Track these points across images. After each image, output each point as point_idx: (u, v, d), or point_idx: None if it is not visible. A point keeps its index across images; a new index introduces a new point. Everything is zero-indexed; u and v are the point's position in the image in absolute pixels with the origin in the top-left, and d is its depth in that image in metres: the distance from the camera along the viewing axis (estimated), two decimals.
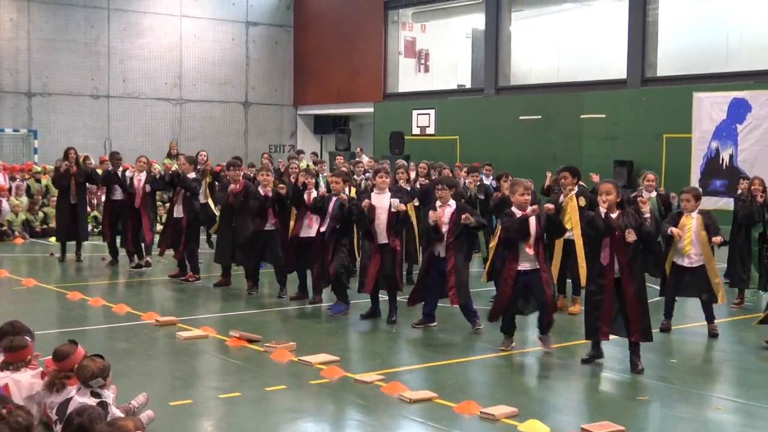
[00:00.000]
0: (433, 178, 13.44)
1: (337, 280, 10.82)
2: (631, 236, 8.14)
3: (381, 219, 10.34)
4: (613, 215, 8.22)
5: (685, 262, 9.91)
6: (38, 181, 19.96)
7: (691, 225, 9.91)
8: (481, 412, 6.78)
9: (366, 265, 10.45)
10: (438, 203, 9.90)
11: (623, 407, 7.25)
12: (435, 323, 10.16)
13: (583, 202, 10.76)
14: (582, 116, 25.41)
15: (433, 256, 9.90)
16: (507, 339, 9.17)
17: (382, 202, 10.37)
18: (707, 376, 8.61)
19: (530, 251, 8.79)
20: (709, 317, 10.03)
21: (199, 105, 31.68)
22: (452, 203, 9.84)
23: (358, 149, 25.64)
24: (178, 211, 13.32)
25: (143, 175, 14.25)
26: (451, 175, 14.55)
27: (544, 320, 8.95)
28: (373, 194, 10.53)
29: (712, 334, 9.93)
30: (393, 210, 10.29)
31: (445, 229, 9.72)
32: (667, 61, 24.64)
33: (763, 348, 9.43)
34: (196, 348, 9.04)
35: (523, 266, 8.83)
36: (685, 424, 6.88)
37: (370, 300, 10.69)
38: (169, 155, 22.74)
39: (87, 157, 15.42)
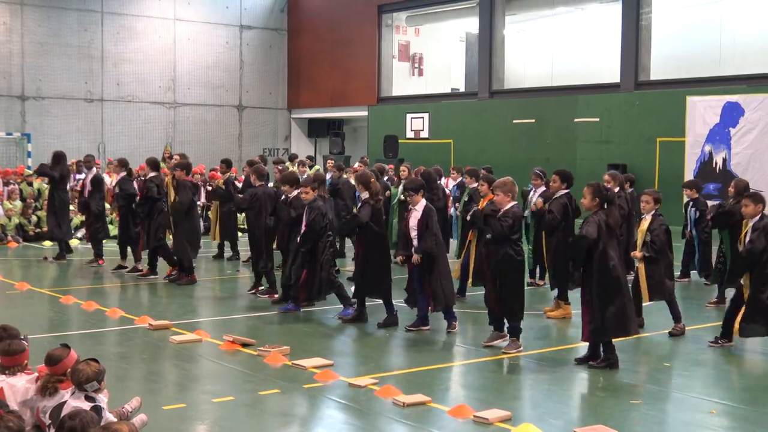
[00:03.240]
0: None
1: (334, 289, 10.82)
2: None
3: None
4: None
5: None
6: (30, 184, 19.88)
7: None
8: (474, 416, 6.79)
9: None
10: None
11: (616, 411, 7.25)
12: (429, 327, 10.05)
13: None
14: (576, 120, 25.47)
15: None
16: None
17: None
18: (702, 380, 8.61)
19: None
20: None
21: (193, 109, 31.67)
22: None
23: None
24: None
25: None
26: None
27: None
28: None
29: None
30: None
31: None
32: (661, 65, 24.71)
33: (758, 352, 9.45)
34: (189, 352, 9.03)
35: None
36: (678, 427, 6.88)
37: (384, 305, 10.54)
38: (163, 159, 22.68)
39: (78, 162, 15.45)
